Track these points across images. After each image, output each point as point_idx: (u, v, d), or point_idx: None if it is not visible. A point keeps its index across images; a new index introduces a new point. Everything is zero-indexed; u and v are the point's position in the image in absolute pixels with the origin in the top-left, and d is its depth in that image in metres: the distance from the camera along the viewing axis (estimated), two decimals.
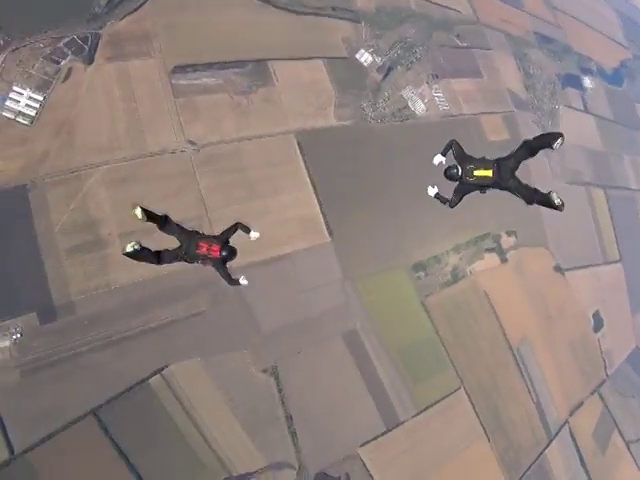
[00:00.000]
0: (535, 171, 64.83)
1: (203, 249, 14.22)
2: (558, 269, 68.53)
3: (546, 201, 11.67)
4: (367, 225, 59.06)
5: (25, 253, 47.40)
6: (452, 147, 12.87)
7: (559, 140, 11.30)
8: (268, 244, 53.20)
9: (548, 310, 68.77)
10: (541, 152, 12.40)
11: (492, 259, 65.82)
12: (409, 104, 65.07)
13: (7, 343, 45.36)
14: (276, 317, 53.57)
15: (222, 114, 56.00)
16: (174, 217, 15.17)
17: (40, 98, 51.55)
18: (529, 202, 11.94)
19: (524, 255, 68.46)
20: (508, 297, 65.73)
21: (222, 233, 14.74)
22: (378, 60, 64.23)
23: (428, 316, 60.57)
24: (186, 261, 14.53)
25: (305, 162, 57.77)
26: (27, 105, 51.19)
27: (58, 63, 53.43)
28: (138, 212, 13.87)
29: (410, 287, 60.58)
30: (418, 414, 58.24)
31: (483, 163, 12.21)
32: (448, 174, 12.58)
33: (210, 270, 15.08)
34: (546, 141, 11.56)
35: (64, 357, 46.53)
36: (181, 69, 55.73)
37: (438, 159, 13.28)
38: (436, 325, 60.85)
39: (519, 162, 11.97)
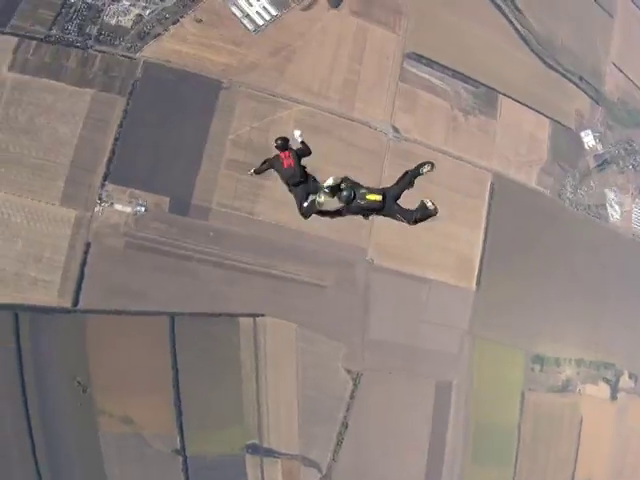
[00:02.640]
0: None
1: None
2: None
3: (422, 210, 12.19)
4: (514, 294, 54.09)
5: (190, 140, 46.10)
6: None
7: (427, 166, 12.19)
8: (416, 260, 50.30)
9: (624, 465, 61.13)
10: None
11: (604, 390, 59.63)
12: (607, 205, 59.46)
13: (128, 210, 43.94)
14: (387, 330, 49.74)
15: (436, 119, 52.76)
16: None
17: (273, 13, 49.90)
18: (410, 222, 12.32)
19: (634, 403, 61.36)
20: (598, 434, 59.02)
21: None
22: (599, 148, 59.17)
23: (520, 408, 54.80)
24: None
25: (489, 206, 53.46)
26: (258, 13, 49.61)
27: None
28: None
29: (520, 373, 55.36)
30: None
31: (373, 190, 12.47)
32: (344, 194, 12.28)
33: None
34: (417, 169, 12.34)
35: (174, 252, 44.53)
36: (417, 57, 53.04)
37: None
38: (523, 420, 54.95)
39: (402, 190, 12.47)
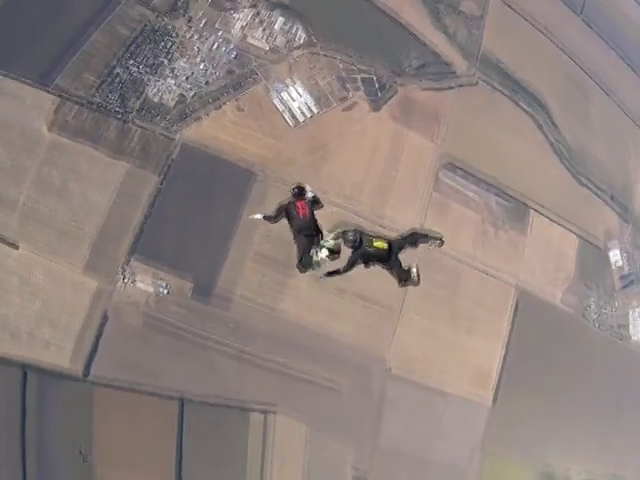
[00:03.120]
0: None
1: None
2: None
3: (405, 274, 13.31)
4: (530, 410, 52.54)
5: (220, 228, 45.54)
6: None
7: (436, 242, 13.28)
8: (435, 372, 49.23)
9: None
10: None
11: None
12: (630, 326, 58.56)
13: (150, 289, 43.13)
14: (399, 438, 48.14)
15: (466, 232, 52.35)
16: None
17: (315, 110, 49.95)
18: (400, 282, 13.27)
19: None
20: None
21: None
22: (626, 268, 58.53)
23: None
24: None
25: (512, 321, 52.55)
26: (299, 108, 49.75)
27: (347, 91, 52.01)
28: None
29: None
30: None
31: (379, 237, 13.37)
32: (349, 238, 12.79)
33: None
34: (426, 237, 13.26)
35: (190, 338, 43.48)
36: (452, 168, 52.77)
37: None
38: None
39: (404, 246, 13.34)
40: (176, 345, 43.76)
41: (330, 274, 13.64)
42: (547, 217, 55.45)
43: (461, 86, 54.22)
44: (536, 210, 55.23)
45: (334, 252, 12.63)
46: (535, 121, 55.79)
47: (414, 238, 13.27)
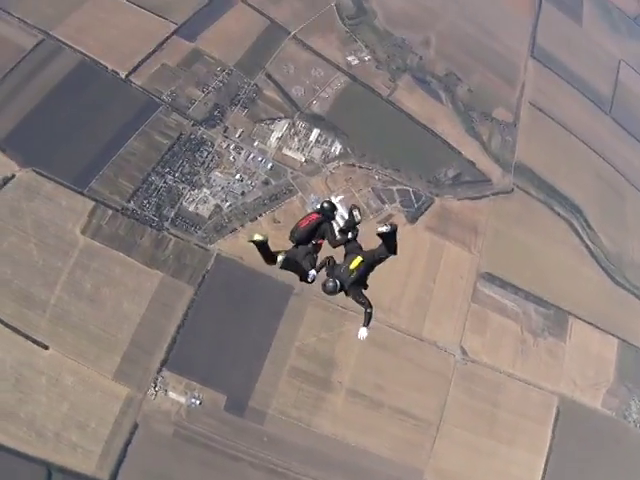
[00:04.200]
0: None
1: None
2: None
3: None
4: None
5: (255, 340, 46.05)
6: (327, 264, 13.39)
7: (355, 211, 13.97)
8: None
9: None
10: None
11: None
12: None
13: (182, 400, 43.41)
14: None
15: (505, 342, 52.10)
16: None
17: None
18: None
19: None
20: None
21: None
22: None
23: None
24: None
25: (553, 430, 51.48)
26: (335, 220, 48.28)
27: (383, 202, 53.00)
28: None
29: None
30: None
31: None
32: (327, 287, 12.74)
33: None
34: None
35: (223, 451, 43.39)
36: (491, 278, 53.00)
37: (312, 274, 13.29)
38: None
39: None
40: (207, 457, 43.52)
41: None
42: (587, 322, 54.91)
43: (497, 194, 54.61)
44: (575, 316, 54.76)
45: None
46: (571, 225, 55.98)
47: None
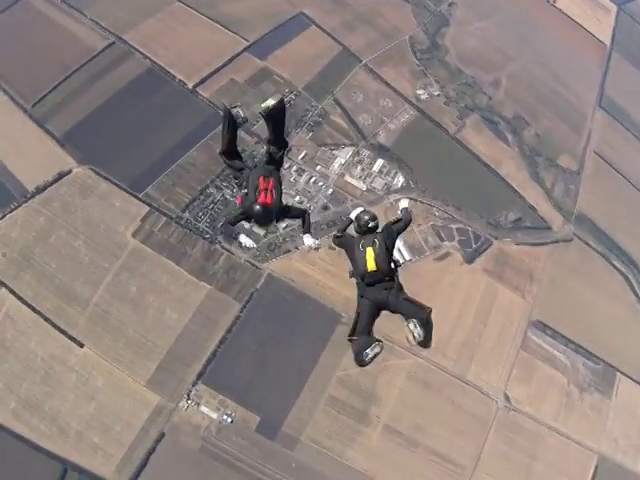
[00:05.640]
0: None
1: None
2: None
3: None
4: None
5: (296, 365, 45.73)
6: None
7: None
8: None
9: None
10: None
11: None
12: None
13: (214, 416, 43.10)
14: None
15: (550, 393, 51.12)
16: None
17: (407, 257, 50.93)
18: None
19: None
20: None
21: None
22: None
23: None
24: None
25: None
26: None
27: (442, 240, 52.70)
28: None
29: None
30: None
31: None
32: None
33: None
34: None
35: (249, 472, 42.78)
36: (541, 326, 52.24)
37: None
38: None
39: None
40: (231, 476, 43.03)
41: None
42: (635, 381, 53.77)
43: (556, 242, 53.99)
44: (624, 373, 53.55)
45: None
46: (627, 280, 55.13)
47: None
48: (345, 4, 64.76)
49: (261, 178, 12.00)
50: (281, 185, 12.32)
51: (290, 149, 52.35)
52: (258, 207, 11.75)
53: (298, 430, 44.24)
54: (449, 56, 64.06)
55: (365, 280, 11.88)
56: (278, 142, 12.69)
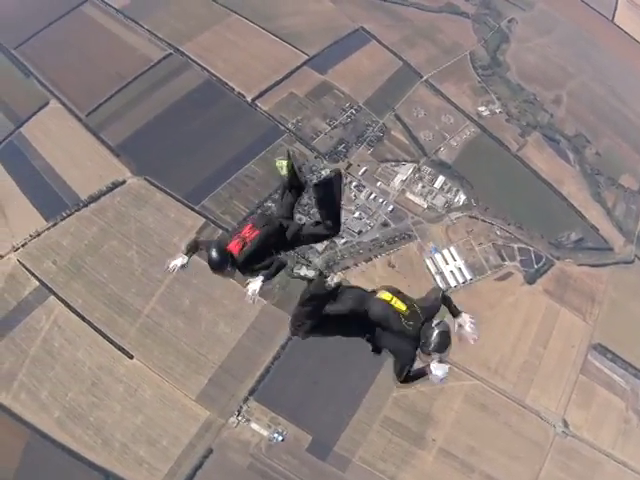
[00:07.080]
0: None
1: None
2: None
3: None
4: None
5: (352, 385, 45.11)
6: None
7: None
8: None
9: None
10: None
11: None
12: None
13: (264, 433, 42.43)
14: None
15: (608, 419, 49.93)
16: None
17: (467, 276, 50.21)
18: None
19: None
20: None
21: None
22: None
23: None
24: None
25: None
26: (452, 272, 49.92)
27: (503, 260, 51.99)
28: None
29: None
30: None
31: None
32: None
33: None
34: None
35: None
36: (602, 350, 51.14)
37: None
38: None
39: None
40: None
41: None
42: None
43: (617, 263, 53.06)
44: None
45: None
46: None
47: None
48: (405, 19, 64.63)
49: (249, 225, 10.00)
50: (270, 246, 10.06)
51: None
52: (213, 251, 9.75)
53: (351, 451, 43.59)
54: (510, 73, 63.48)
55: None
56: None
